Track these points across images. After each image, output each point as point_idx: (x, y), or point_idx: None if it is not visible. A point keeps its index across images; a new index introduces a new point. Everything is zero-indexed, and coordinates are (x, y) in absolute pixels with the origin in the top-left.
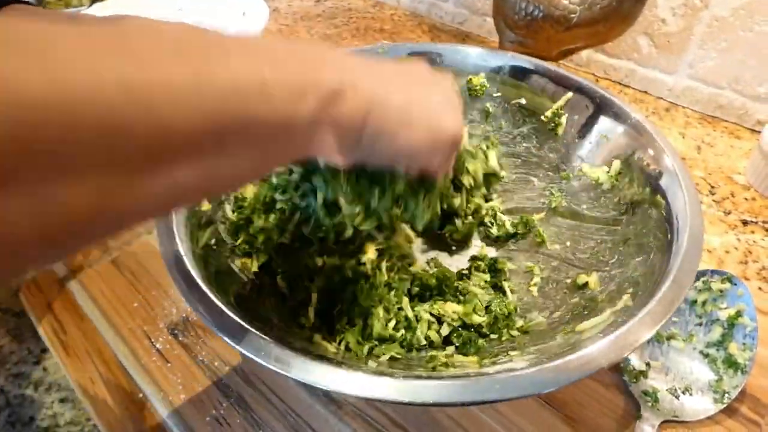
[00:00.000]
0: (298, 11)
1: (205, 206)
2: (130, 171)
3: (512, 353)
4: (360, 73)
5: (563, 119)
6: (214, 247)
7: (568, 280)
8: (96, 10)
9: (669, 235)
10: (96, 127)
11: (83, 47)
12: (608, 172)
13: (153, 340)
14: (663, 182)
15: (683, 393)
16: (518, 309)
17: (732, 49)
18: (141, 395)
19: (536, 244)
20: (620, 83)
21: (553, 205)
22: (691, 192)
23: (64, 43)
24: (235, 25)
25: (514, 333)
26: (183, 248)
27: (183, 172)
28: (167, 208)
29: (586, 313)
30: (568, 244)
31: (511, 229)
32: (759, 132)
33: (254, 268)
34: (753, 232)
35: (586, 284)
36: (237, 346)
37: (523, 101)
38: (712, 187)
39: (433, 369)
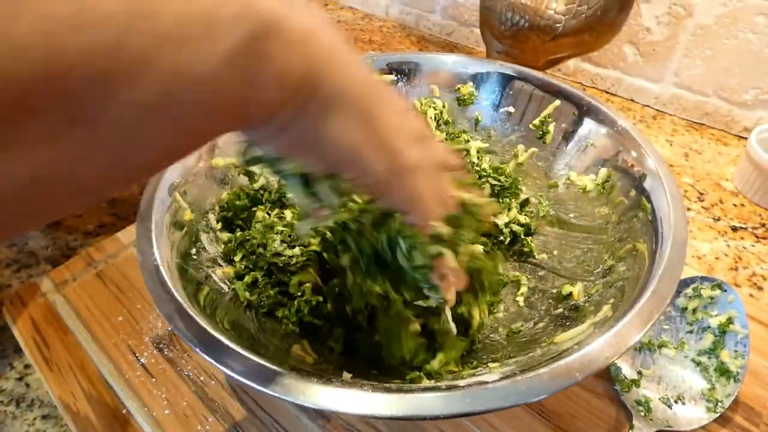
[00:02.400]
0: None
1: (188, 215)
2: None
3: (491, 365)
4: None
5: (551, 127)
6: (195, 256)
7: (554, 290)
8: None
9: (654, 242)
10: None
11: None
12: (595, 180)
13: (137, 354)
14: (647, 185)
15: (676, 402)
16: (504, 319)
17: (717, 56)
18: (125, 411)
19: (524, 253)
20: (607, 92)
21: (541, 213)
22: (674, 195)
23: None
24: None
25: (499, 338)
26: (161, 259)
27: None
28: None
29: (568, 324)
30: (555, 253)
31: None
32: (746, 138)
33: (237, 280)
34: (743, 238)
35: (570, 294)
36: (223, 367)
37: (511, 109)
38: (701, 193)
39: (411, 381)
